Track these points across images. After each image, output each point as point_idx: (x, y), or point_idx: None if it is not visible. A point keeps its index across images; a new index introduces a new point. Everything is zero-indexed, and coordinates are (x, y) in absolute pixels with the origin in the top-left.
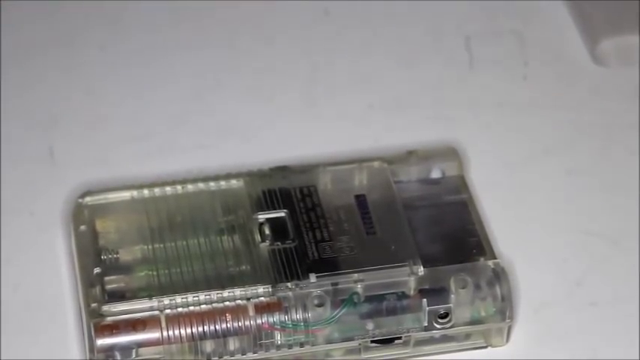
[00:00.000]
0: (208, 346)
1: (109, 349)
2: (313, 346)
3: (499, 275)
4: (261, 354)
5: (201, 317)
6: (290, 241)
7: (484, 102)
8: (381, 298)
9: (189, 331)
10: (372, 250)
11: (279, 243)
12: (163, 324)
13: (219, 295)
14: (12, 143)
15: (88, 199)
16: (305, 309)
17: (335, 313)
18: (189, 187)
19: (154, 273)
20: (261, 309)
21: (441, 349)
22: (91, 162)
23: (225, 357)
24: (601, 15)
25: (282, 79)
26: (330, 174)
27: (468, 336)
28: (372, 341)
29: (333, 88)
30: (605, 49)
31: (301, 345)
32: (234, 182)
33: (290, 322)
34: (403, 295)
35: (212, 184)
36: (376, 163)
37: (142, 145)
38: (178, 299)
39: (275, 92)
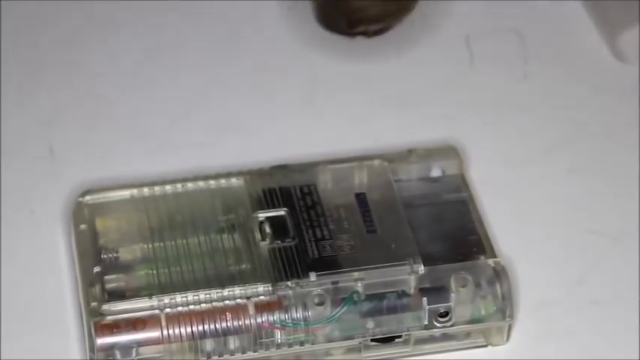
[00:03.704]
0: (208, 345)
1: (109, 348)
2: (313, 344)
3: (499, 274)
4: (262, 353)
5: (201, 316)
6: (290, 240)
7: (484, 100)
8: (381, 296)
9: (189, 330)
10: (372, 248)
11: (279, 242)
12: (163, 323)
13: (220, 294)
14: (12, 142)
15: (88, 198)
16: (305, 308)
17: (335, 311)
18: (190, 185)
19: (154, 272)
20: (262, 308)
21: (441, 348)
22: (91, 160)
23: (225, 356)
24: (619, 7)
25: (283, 78)
26: (330, 172)
27: (468, 335)
28: (373, 340)
29: (333, 86)
30: (625, 41)
31: (301, 344)
32: (234, 181)
33: (290, 321)
34: (403, 294)
35: (212, 182)
36: (376, 162)
37: (142, 144)
38: (178, 298)
39: (275, 91)
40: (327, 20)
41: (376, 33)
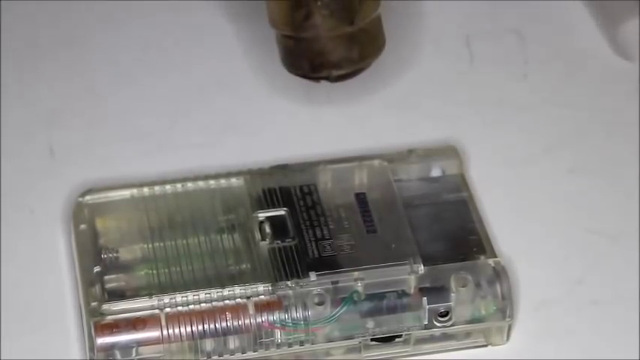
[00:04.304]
0: (208, 344)
1: (110, 348)
2: (313, 344)
3: (499, 274)
4: (262, 352)
5: (201, 316)
6: (290, 240)
7: (484, 100)
8: (381, 296)
9: (189, 329)
10: (372, 248)
11: (279, 241)
12: (163, 323)
13: (220, 294)
14: (12, 141)
15: (88, 198)
16: (305, 307)
17: (335, 311)
18: (190, 185)
19: (154, 272)
20: (262, 307)
21: (441, 348)
22: (92, 160)
23: (225, 356)
24: (619, 1)
25: (283, 78)
26: (330, 172)
27: (468, 334)
28: (373, 339)
29: (333, 86)
30: (625, 35)
31: (301, 343)
32: (234, 181)
33: (290, 321)
34: (403, 294)
35: (212, 182)
36: (376, 162)
37: (142, 144)
38: (178, 298)
39: (275, 91)
40: (291, 63)
41: (339, 78)
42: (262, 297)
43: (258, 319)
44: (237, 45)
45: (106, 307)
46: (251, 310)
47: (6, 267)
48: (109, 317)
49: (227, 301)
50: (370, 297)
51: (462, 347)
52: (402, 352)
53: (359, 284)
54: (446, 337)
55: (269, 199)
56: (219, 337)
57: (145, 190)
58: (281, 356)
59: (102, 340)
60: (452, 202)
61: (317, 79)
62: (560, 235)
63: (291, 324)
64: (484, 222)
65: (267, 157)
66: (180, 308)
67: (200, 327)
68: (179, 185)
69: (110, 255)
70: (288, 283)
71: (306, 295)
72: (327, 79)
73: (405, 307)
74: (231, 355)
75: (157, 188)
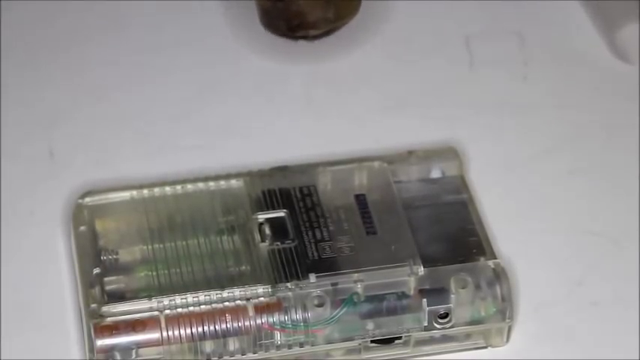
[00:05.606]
0: (208, 346)
1: (109, 350)
2: (313, 346)
3: (499, 275)
4: (261, 354)
5: (200, 317)
6: (290, 241)
7: (484, 102)
8: (381, 298)
9: (188, 331)
10: (371, 249)
11: (278, 243)
12: (163, 324)
13: (219, 296)
14: (12, 143)
15: (87, 200)
16: (305, 309)
17: (335, 313)
18: (189, 187)
19: (154, 273)
20: (261, 309)
21: (441, 349)
22: (91, 162)
23: (224, 357)
24: (618, 5)
25: (283, 79)
26: (330, 174)
27: (468, 336)
28: (372, 341)
29: (333, 87)
30: (624, 38)
31: (301, 345)
32: (234, 182)
33: (290, 322)
34: (403, 295)
35: (212, 184)
36: (376, 163)
37: (142, 145)
38: (178, 300)
39: (275, 92)
40: (269, 23)
41: (317, 37)
42: (262, 298)
43: (258, 321)
44: (237, 46)
45: (105, 308)
46: (251, 311)
47: (6, 268)
48: (109, 319)
49: (227, 303)
50: (370, 298)
51: (461, 349)
52: (402, 354)
53: (359, 286)
54: (446, 338)
55: (269, 200)
56: (218, 339)
57: (145, 191)
58: (281, 358)
59: (101, 342)
60: (452, 204)
61: (295, 38)
62: (559, 237)
63: (290, 325)
64: (484, 223)
65: (266, 159)
66: (179, 310)
67: (200, 329)
68: (179, 187)
69: (110, 257)
70: (288, 284)
71: (306, 297)
72: (305, 38)
73: (404, 309)
74: (231, 356)
75: (156, 190)
